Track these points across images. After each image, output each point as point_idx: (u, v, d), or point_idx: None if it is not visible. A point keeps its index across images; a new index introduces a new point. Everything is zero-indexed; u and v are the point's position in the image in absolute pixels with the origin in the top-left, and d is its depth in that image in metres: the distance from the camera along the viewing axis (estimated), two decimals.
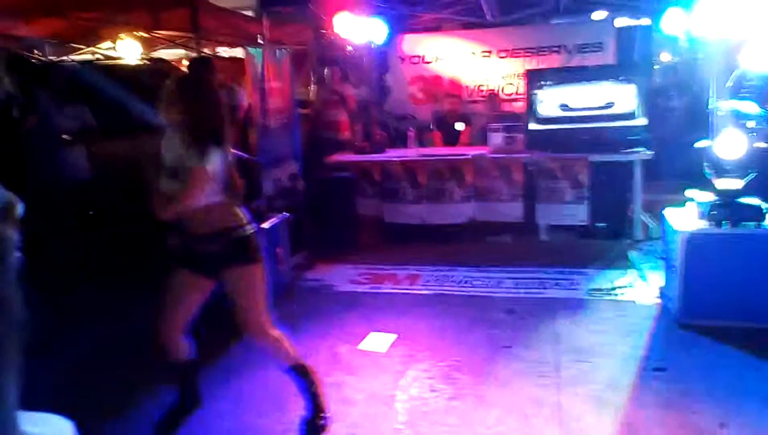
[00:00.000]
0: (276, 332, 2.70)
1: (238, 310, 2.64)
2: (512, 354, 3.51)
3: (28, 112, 4.19)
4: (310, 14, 6.23)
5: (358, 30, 6.18)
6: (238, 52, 6.62)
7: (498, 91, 7.35)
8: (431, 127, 7.10)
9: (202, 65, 5.30)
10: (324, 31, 6.48)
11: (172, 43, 7.17)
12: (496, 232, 5.85)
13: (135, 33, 6.48)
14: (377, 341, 3.78)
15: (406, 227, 5.89)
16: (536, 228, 5.72)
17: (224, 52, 7.91)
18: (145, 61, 6.69)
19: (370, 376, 3.34)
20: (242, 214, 2.66)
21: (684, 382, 3.09)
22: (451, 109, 6.92)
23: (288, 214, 4.77)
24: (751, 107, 5.64)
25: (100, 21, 5.99)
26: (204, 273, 2.67)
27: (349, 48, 7.17)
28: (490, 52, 7.38)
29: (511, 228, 5.79)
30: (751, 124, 4.34)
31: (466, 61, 7.48)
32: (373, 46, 7.21)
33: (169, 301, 2.69)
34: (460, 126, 6.76)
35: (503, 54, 7.36)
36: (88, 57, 7.04)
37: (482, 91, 7.45)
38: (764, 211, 3.67)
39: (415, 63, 7.65)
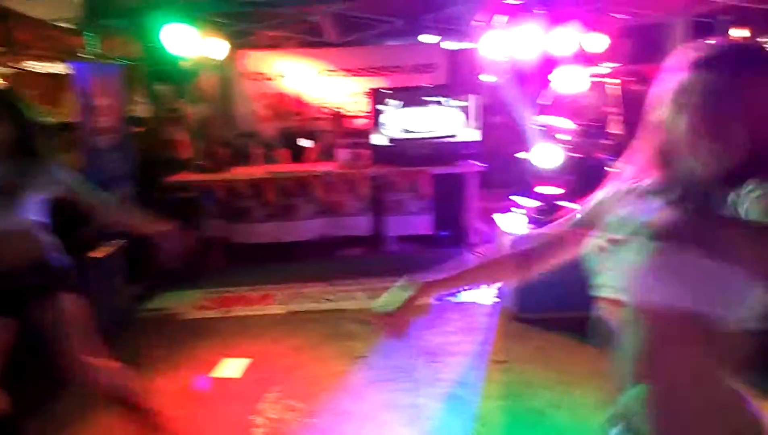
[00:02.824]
0: (104, 363, 2.45)
1: (55, 344, 2.36)
2: (368, 363, 3.57)
3: None
4: (140, 27, 5.87)
5: (193, 45, 5.95)
6: (59, 68, 6.03)
7: (343, 108, 7.52)
8: (277, 144, 7.04)
9: None
10: (154, 45, 6.14)
11: None
12: (347, 246, 5.94)
13: None
14: (231, 367, 3.63)
15: (256, 247, 5.75)
16: (385, 240, 5.91)
17: (41, 67, 7.16)
18: None
19: (225, 403, 3.19)
20: (47, 239, 2.44)
21: (523, 371, 3.38)
22: (297, 126, 6.93)
23: (123, 241, 4.41)
24: (563, 122, 6.39)
25: None
26: (8, 312, 2.37)
27: (189, 63, 6.88)
28: (332, 70, 7.54)
29: (361, 241, 5.92)
30: (563, 136, 4.92)
31: (309, 79, 7.56)
32: (212, 62, 7.00)
33: None
34: (306, 143, 6.79)
35: (345, 73, 7.55)
36: None
37: (327, 108, 7.57)
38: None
39: (257, 80, 7.56)
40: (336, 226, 5.79)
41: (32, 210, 2.35)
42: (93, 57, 4.81)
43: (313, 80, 7.56)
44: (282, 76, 7.55)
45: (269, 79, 7.56)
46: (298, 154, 6.75)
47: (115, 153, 4.94)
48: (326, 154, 6.66)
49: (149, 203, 5.33)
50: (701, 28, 9.04)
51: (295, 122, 6.96)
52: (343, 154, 5.87)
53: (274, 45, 7.93)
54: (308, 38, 7.62)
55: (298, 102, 7.57)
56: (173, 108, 6.52)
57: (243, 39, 7.47)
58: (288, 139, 6.94)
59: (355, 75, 7.58)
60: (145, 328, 4.33)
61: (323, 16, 6.60)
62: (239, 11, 6.26)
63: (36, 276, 2.36)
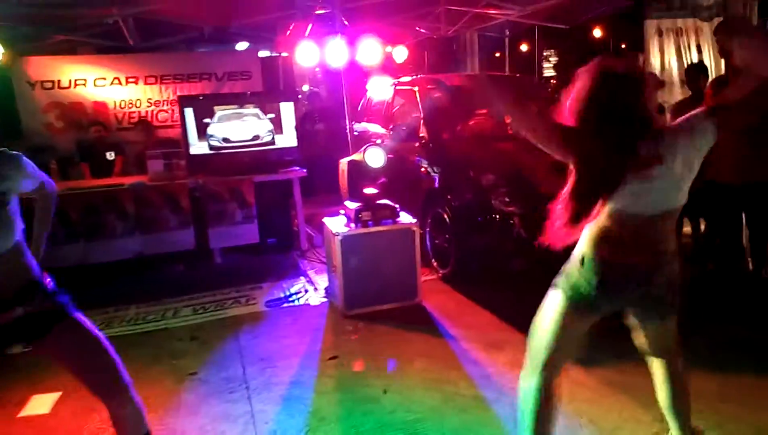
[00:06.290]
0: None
1: (82, 375, 2.20)
2: (200, 379, 3.45)
3: None
4: None
5: None
6: None
7: (151, 117, 7.10)
8: (76, 157, 6.42)
9: None
10: None
11: None
12: (169, 263, 5.63)
13: None
14: (39, 403, 3.26)
15: (61, 271, 5.17)
16: (210, 252, 5.71)
17: None
18: None
19: None
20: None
21: (353, 364, 3.53)
22: (98, 138, 6.37)
23: None
24: (376, 127, 6.78)
25: None
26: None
27: None
28: (136, 77, 7.08)
29: (184, 256, 5.64)
30: (377, 139, 5.21)
31: (111, 87, 7.01)
32: None
33: None
34: (111, 155, 6.28)
35: (151, 80, 7.14)
36: None
37: (133, 117, 7.09)
38: (397, 209, 4.45)
39: (49, 88, 6.82)
40: (155, 242, 5.44)
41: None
42: None
43: (115, 88, 7.04)
44: (78, 84, 6.91)
45: (63, 87, 6.87)
46: (102, 167, 6.21)
47: None
48: (135, 166, 6.24)
49: None
50: (489, 41, 10.18)
51: (95, 133, 6.38)
52: (154, 166, 5.53)
53: (67, 50, 7.23)
54: (106, 43, 7.09)
55: (99, 111, 6.98)
56: None
57: (30, 44, 6.70)
58: (88, 152, 6.35)
59: (161, 82, 7.20)
60: None
61: (123, 19, 6.19)
62: (24, 13, 5.61)
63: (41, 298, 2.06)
